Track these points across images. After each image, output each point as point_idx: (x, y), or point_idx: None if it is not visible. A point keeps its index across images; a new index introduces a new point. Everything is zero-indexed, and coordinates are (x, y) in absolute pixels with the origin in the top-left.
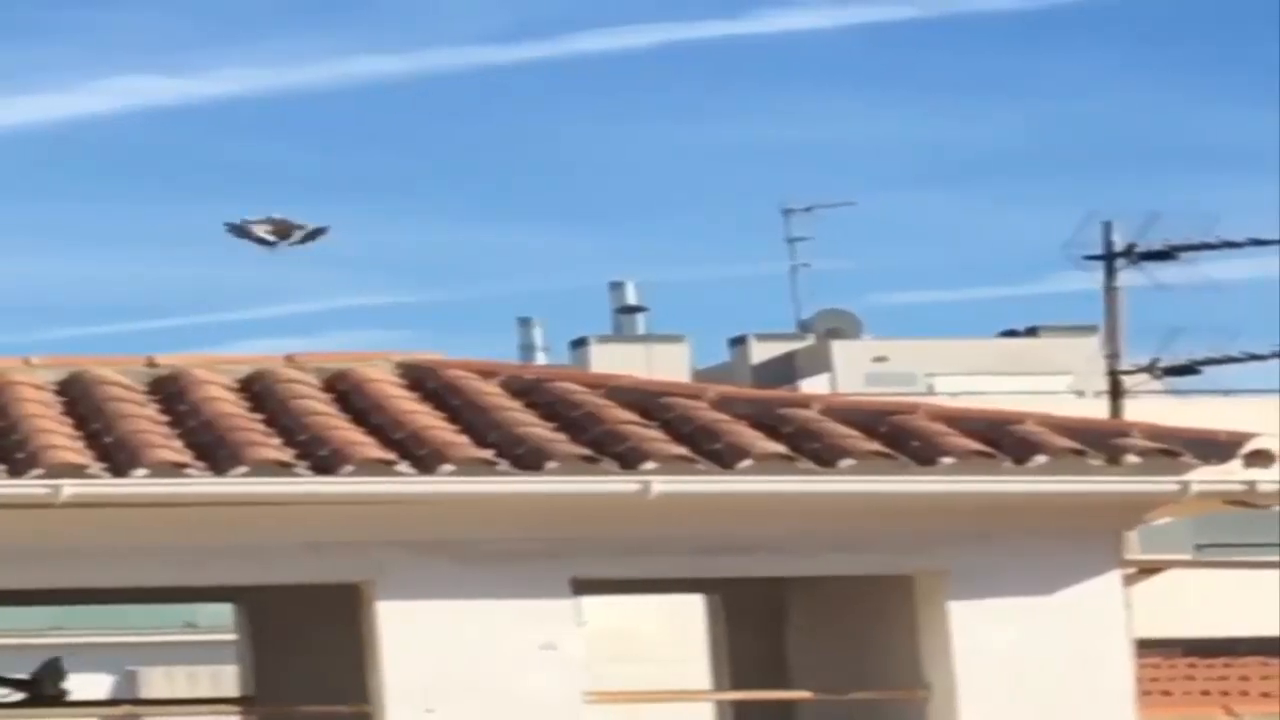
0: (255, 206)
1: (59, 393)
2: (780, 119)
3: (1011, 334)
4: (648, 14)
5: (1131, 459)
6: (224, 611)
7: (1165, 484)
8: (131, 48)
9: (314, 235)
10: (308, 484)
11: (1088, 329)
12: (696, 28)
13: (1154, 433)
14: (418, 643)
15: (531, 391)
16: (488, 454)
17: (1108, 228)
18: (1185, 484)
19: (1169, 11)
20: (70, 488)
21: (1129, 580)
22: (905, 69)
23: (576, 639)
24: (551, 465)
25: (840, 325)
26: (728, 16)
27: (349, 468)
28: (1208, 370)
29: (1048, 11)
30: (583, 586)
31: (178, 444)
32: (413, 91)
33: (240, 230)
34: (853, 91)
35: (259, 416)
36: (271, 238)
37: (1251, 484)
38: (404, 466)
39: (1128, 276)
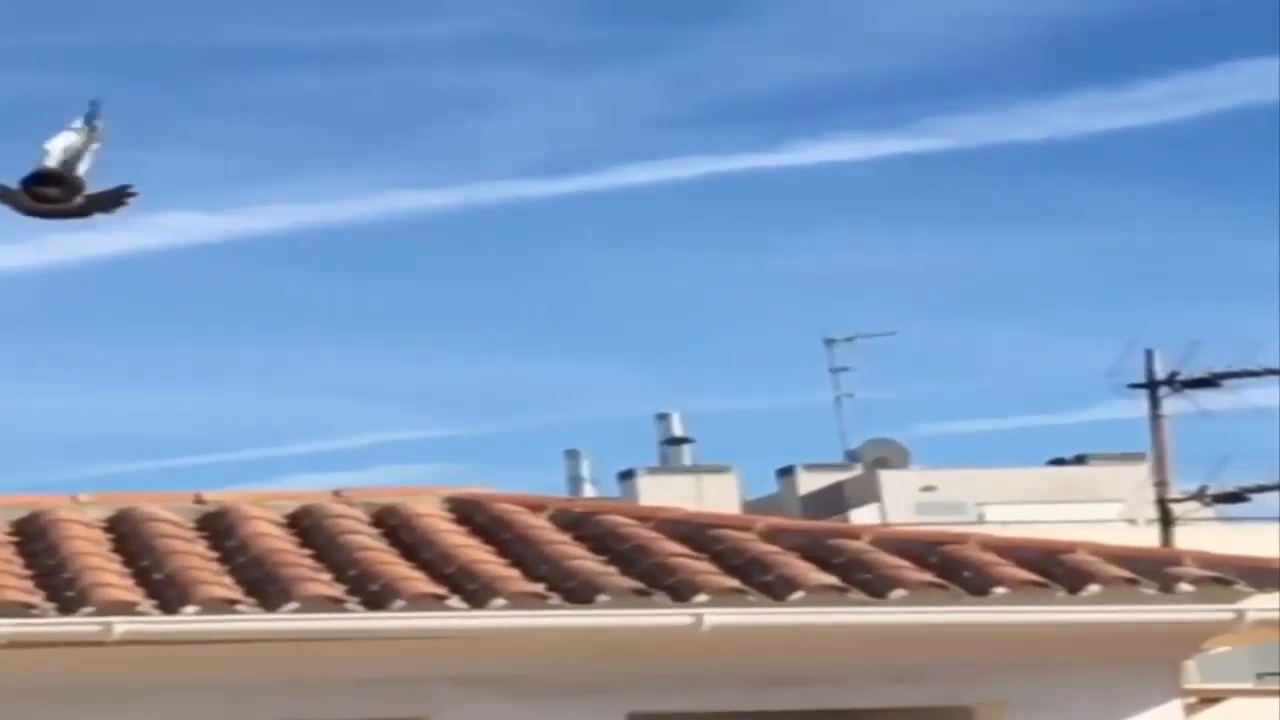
0: (302, 341)
1: (108, 530)
2: (820, 250)
3: (1060, 462)
4: (686, 147)
5: (1185, 587)
6: None
7: (1220, 612)
8: (177, 185)
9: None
10: (359, 620)
11: (1135, 456)
12: (735, 160)
13: (1206, 561)
14: None
15: (581, 524)
16: (539, 588)
17: (1150, 356)
18: (1240, 612)
19: (1205, 140)
20: (121, 625)
21: (1189, 710)
22: (943, 199)
23: None
24: (603, 599)
25: (888, 455)
26: (765, 149)
27: (400, 603)
28: (1256, 497)
29: (1084, 141)
30: None
31: (228, 580)
32: (456, 225)
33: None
34: (891, 221)
35: (308, 552)
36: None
37: None
38: (455, 601)
39: (1172, 404)
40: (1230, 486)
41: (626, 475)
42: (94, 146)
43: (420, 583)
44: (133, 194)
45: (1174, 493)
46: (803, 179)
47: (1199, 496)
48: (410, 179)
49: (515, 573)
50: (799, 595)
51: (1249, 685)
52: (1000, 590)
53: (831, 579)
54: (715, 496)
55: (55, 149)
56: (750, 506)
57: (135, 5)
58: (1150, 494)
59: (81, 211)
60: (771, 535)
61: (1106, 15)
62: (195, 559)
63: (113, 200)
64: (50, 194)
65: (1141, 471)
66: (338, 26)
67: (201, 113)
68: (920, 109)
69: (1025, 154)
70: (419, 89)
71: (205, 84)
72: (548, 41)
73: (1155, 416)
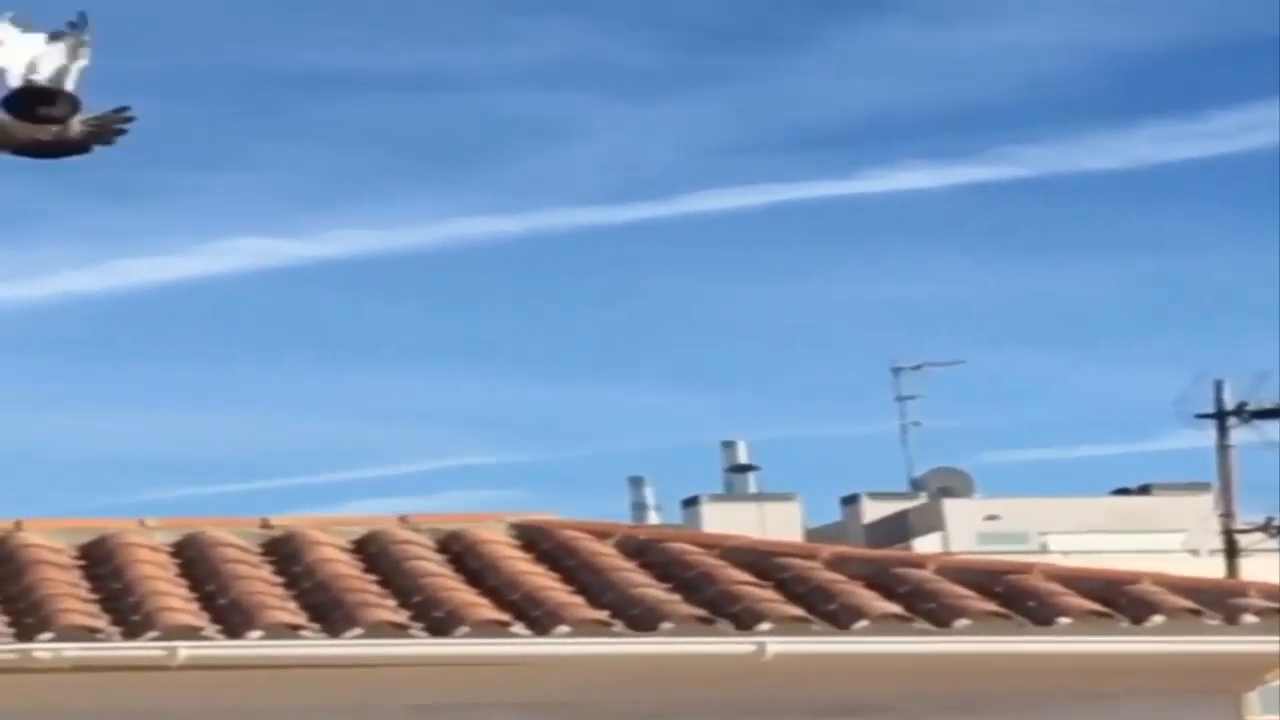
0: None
1: (174, 554)
2: (888, 278)
3: (1124, 492)
4: (757, 175)
5: (1249, 619)
6: None
7: None
8: (244, 210)
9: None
10: (422, 646)
11: (1199, 487)
12: (805, 188)
13: (1271, 592)
14: None
15: (646, 552)
16: (603, 615)
17: (1219, 386)
18: None
19: (1271, 167)
20: (185, 650)
21: None
22: (1012, 227)
23: None
24: (666, 626)
25: (952, 484)
26: (836, 177)
27: (464, 629)
28: None
29: (1156, 171)
30: None
31: (292, 605)
32: (524, 252)
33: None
34: (960, 250)
35: (373, 578)
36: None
37: None
38: (519, 628)
39: (1240, 434)
40: None
41: (690, 502)
42: (81, 65)
43: (484, 609)
44: (131, 117)
45: (1239, 524)
46: (873, 207)
47: (1265, 528)
48: (479, 205)
49: (579, 600)
50: (863, 624)
51: None
52: (1064, 620)
53: (895, 608)
54: (778, 524)
55: (42, 63)
56: (813, 534)
57: (206, 30)
58: (1213, 524)
59: (79, 143)
60: (836, 564)
61: (1180, 45)
62: (260, 584)
63: (113, 125)
64: (50, 114)
65: (1205, 502)
66: (409, 52)
67: (271, 137)
68: (992, 138)
69: (1097, 183)
70: (491, 115)
71: (275, 108)
72: (620, 69)
73: (1223, 447)
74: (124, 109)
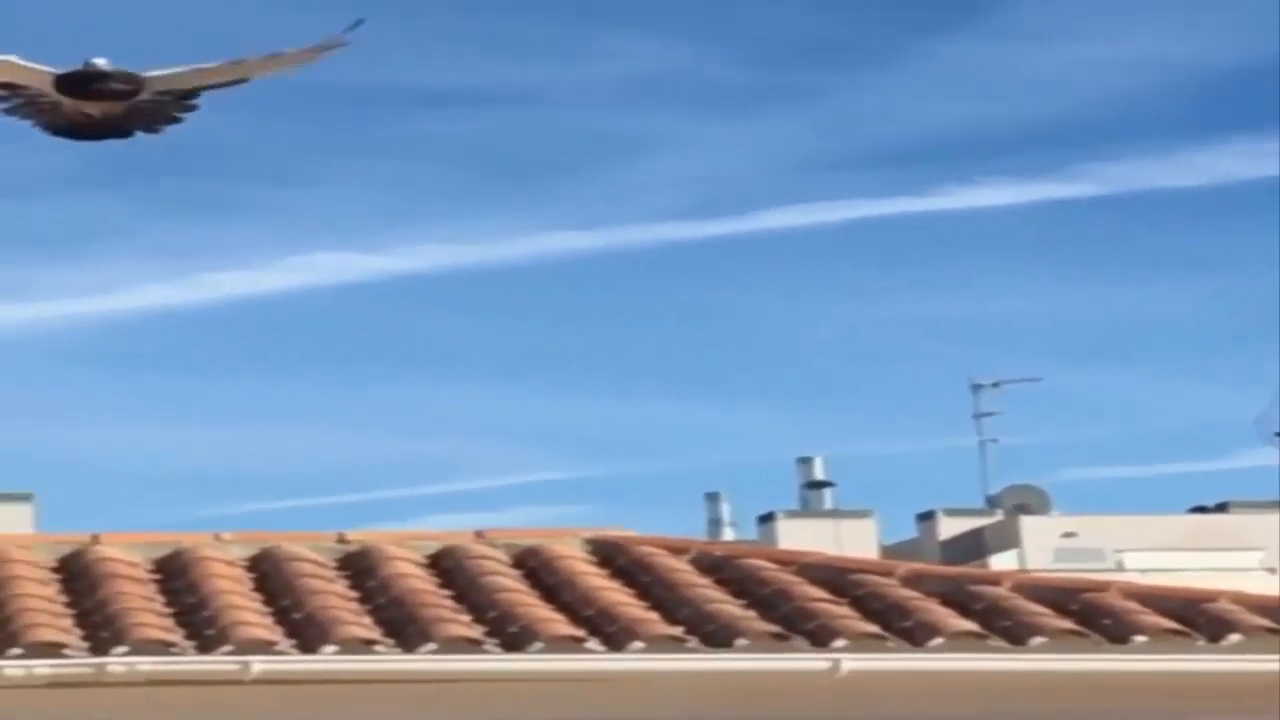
0: (446, 381)
1: (249, 568)
2: (966, 294)
3: (1202, 510)
4: (836, 191)
5: None
6: None
7: None
8: (325, 225)
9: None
10: (497, 661)
11: (1278, 505)
12: (883, 205)
13: None
14: None
15: (721, 568)
16: (678, 631)
17: None
18: None
19: None
20: (259, 664)
21: None
22: (1092, 244)
23: None
24: (741, 643)
25: (1029, 501)
26: (914, 194)
27: (538, 645)
28: None
29: (1237, 188)
30: None
31: (367, 620)
32: (602, 267)
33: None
34: (1039, 267)
35: (448, 593)
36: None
37: None
38: (594, 644)
39: None
40: None
41: (766, 518)
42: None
43: (559, 625)
44: (193, 105)
45: None
46: (952, 224)
47: None
48: (558, 220)
49: (654, 616)
50: (938, 641)
51: None
52: (1140, 639)
53: (971, 625)
54: (854, 540)
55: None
56: (889, 551)
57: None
58: None
59: (121, 125)
60: (912, 580)
61: (1264, 62)
62: (335, 598)
63: (169, 112)
64: (104, 89)
65: None
66: (490, 68)
67: (352, 153)
68: (1072, 155)
69: (1177, 200)
70: (570, 130)
71: (357, 124)
72: (701, 85)
73: None
74: (191, 95)
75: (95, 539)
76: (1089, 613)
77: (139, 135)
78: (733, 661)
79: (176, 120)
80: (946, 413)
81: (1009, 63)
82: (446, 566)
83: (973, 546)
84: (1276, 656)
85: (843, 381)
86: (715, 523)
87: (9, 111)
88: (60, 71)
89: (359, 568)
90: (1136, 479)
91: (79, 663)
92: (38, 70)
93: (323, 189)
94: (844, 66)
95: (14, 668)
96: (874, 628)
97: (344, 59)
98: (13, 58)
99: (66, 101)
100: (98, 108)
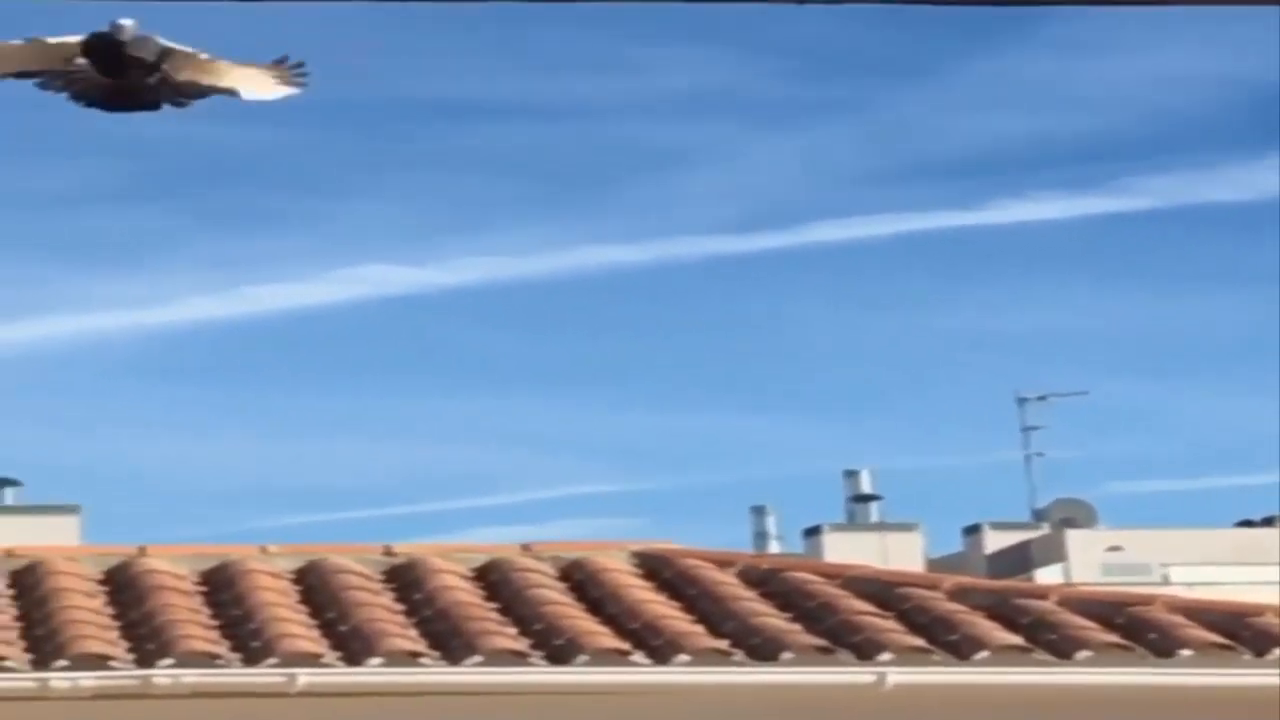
0: (491, 394)
1: (296, 581)
2: (1014, 308)
3: (1248, 524)
4: (884, 204)
5: None
6: None
7: None
8: (372, 237)
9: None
10: (542, 674)
11: None
12: (931, 218)
13: None
14: None
15: (768, 581)
16: (723, 644)
17: None
18: None
19: None
20: (305, 677)
21: None
22: (1139, 258)
23: None
24: (787, 656)
25: (1075, 514)
26: (963, 208)
27: (584, 658)
28: None
29: (1277, 202)
30: None
31: (413, 633)
32: (648, 279)
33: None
34: (1086, 281)
35: (494, 605)
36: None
37: None
38: (639, 656)
39: None
40: None
41: (812, 532)
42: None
43: (604, 638)
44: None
45: None
46: (1000, 237)
47: None
48: (604, 234)
49: (700, 629)
50: (983, 655)
51: None
52: (1186, 652)
53: (1017, 639)
54: (900, 554)
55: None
56: (935, 565)
57: (335, 60)
58: None
59: (149, 95)
60: (958, 594)
61: None
62: (381, 611)
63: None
64: (140, 58)
65: None
66: (537, 81)
67: (399, 165)
68: (1120, 168)
69: (1225, 214)
70: (617, 143)
71: (404, 136)
72: (748, 98)
73: None
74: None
75: (142, 551)
76: (1135, 627)
77: (166, 109)
78: (778, 675)
79: (204, 95)
80: (993, 426)
81: (1058, 76)
82: (492, 579)
83: (1019, 560)
84: None
85: (889, 395)
86: (761, 536)
87: (42, 86)
88: (88, 39)
89: (405, 580)
90: (1183, 493)
91: (125, 674)
92: (67, 44)
93: (369, 202)
94: (892, 80)
95: (60, 679)
96: (920, 641)
97: (391, 72)
98: (42, 37)
99: (96, 74)
100: (125, 78)
